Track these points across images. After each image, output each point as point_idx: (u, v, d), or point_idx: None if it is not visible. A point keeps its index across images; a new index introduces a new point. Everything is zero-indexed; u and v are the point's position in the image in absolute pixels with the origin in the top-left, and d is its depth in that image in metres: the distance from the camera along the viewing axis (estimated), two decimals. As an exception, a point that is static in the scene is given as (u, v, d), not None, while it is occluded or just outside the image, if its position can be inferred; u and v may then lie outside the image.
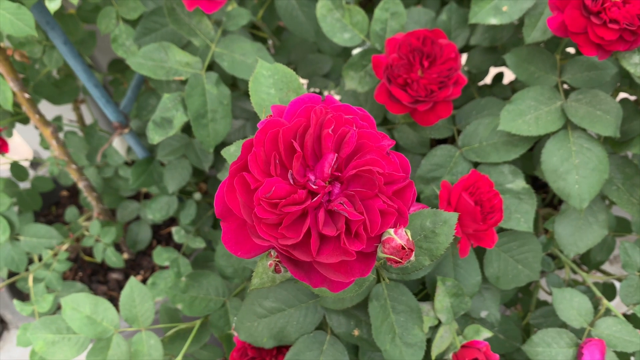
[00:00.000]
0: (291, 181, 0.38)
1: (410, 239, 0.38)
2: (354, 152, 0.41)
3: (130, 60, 0.72)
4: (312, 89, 0.93)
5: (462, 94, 0.92)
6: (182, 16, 0.72)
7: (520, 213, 0.69)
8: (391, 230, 0.38)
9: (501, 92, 0.94)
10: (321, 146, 0.40)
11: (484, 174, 0.72)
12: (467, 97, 0.96)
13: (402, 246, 0.37)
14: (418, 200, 0.77)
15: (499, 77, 1.04)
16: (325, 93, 0.91)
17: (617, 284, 0.98)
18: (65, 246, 1.11)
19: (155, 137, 0.71)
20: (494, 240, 0.61)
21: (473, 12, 0.65)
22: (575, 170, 0.66)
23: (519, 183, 0.70)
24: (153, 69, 0.71)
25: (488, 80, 1.03)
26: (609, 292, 0.96)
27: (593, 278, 0.87)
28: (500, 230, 0.71)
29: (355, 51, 0.88)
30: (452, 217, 0.47)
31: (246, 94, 1.07)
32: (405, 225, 0.41)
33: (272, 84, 0.51)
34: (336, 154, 0.39)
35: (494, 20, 0.65)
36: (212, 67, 0.76)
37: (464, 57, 0.93)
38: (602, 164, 0.65)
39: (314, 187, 0.38)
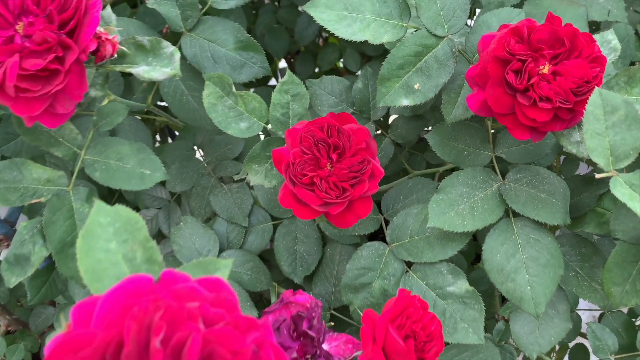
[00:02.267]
0: None
1: None
2: (201, 364, 0.28)
3: (-25, 184, 0.58)
4: (221, 175, 0.81)
5: (390, 163, 0.81)
6: (37, 125, 0.59)
7: (466, 321, 0.57)
8: None
9: (435, 157, 0.84)
10: (151, 363, 0.27)
11: (419, 275, 0.60)
12: (396, 166, 0.85)
13: None
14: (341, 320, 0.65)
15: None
16: (236, 177, 0.78)
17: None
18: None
19: (11, 279, 0.57)
20: (436, 376, 0.49)
21: (380, 94, 0.55)
22: (525, 267, 0.55)
23: (462, 285, 0.58)
24: (3, 194, 0.57)
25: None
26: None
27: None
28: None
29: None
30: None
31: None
32: None
33: (112, 235, 0.38)
34: (168, 380, 0.27)
35: (406, 102, 0.54)
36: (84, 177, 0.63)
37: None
38: (554, 258, 0.55)
39: None
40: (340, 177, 0.55)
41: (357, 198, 0.56)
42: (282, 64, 1.42)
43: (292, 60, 1.32)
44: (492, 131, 0.63)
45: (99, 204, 0.40)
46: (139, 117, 0.93)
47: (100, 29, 0.49)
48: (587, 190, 0.61)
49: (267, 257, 0.81)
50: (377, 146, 0.77)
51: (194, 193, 0.80)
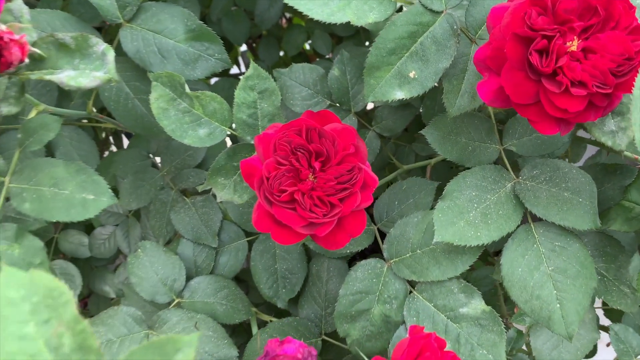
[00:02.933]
0: None
1: None
2: None
3: None
4: (182, 186, 0.70)
5: (375, 158, 0.71)
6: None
7: (485, 347, 0.49)
8: None
9: (425, 147, 0.75)
10: None
11: (426, 296, 0.51)
12: (382, 160, 0.76)
13: None
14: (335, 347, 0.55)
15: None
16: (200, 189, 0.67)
17: None
18: None
19: None
20: None
21: (369, 87, 0.44)
22: (551, 281, 0.46)
23: (477, 305, 0.49)
24: None
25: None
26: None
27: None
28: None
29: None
30: None
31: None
32: None
33: (28, 315, 0.27)
34: None
35: (400, 94, 0.44)
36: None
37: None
38: (585, 268, 0.46)
39: None
40: (326, 191, 0.45)
41: (349, 214, 0.47)
42: (244, 47, 1.30)
43: (254, 45, 1.21)
44: (498, 123, 0.54)
45: (7, 271, 0.29)
46: (85, 121, 0.81)
47: (1, 27, 0.38)
48: (610, 180, 0.53)
49: (243, 277, 0.71)
50: (361, 141, 0.68)
51: (152, 210, 0.69)
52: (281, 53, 1.12)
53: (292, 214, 0.46)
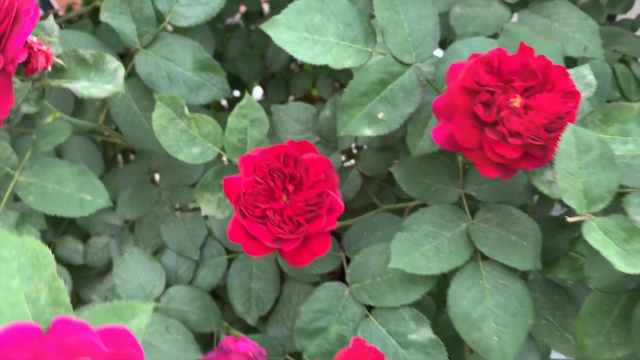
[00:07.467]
0: None
1: None
2: None
3: None
4: (176, 203, 0.75)
5: (358, 196, 0.77)
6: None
7: (429, 373, 0.52)
8: None
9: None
10: None
11: (380, 320, 0.55)
12: (366, 199, 0.81)
13: None
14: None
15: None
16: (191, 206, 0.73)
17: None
18: None
19: None
20: None
21: (342, 123, 0.51)
22: (492, 316, 0.50)
23: (425, 333, 0.53)
24: None
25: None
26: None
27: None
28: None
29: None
30: None
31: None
32: None
33: (16, 271, 0.33)
34: None
35: (368, 132, 0.50)
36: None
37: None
38: (524, 306, 0.50)
39: None
40: (295, 211, 0.51)
41: (314, 234, 0.52)
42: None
43: (267, 86, 1.29)
44: (466, 167, 0.59)
45: (3, 235, 0.34)
46: (100, 139, 0.87)
47: (32, 39, 0.45)
48: (561, 232, 0.58)
49: (220, 294, 0.75)
50: (344, 178, 0.73)
51: (145, 221, 0.74)
52: (291, 98, 1.20)
53: (263, 229, 0.51)
